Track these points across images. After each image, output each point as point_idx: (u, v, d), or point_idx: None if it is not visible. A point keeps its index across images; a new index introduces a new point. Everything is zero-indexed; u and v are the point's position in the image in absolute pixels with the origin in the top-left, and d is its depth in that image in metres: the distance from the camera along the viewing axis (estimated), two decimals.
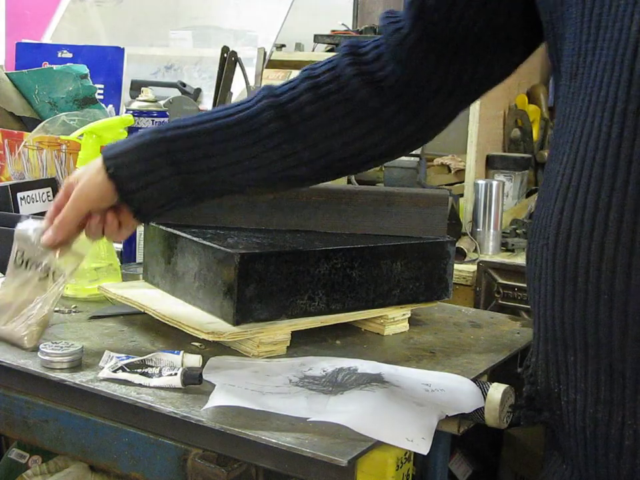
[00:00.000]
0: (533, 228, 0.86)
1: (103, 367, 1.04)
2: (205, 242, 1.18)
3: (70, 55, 2.03)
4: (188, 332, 1.14)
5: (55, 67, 1.84)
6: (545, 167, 0.87)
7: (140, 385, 1.01)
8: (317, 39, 2.62)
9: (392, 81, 0.99)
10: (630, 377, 0.76)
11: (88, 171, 1.04)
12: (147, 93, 1.59)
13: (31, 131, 1.69)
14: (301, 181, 1.07)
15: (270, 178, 1.04)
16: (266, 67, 2.11)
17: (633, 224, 0.74)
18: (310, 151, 1.01)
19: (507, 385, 0.97)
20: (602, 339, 0.77)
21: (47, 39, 2.60)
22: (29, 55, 2.07)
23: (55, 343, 1.08)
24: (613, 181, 0.75)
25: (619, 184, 0.75)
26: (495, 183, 2.01)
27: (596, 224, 0.76)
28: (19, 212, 1.56)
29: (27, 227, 1.11)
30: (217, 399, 0.94)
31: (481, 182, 2.03)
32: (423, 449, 0.88)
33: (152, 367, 1.04)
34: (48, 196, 1.62)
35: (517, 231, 2.05)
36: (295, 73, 2.74)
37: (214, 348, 1.14)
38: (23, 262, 1.12)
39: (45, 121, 1.68)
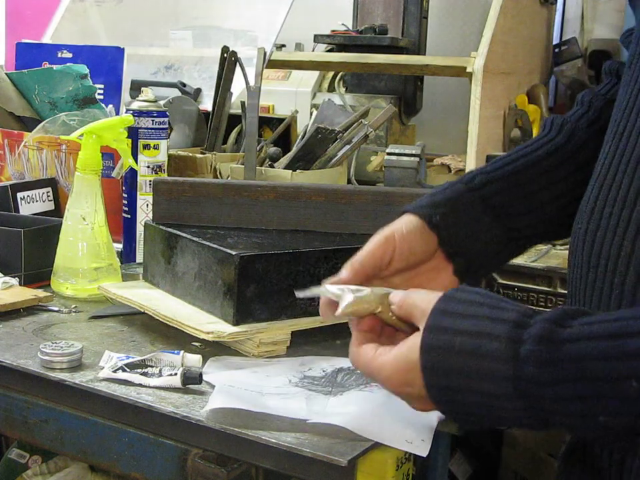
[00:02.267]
0: (579, 210, 0.86)
1: (103, 367, 1.04)
2: (204, 242, 1.18)
3: (70, 55, 2.02)
4: (188, 332, 1.14)
5: (55, 67, 1.84)
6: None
7: (140, 385, 1.01)
8: (317, 39, 2.62)
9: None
10: None
11: (401, 223, 0.89)
12: (147, 93, 1.59)
13: (30, 131, 1.69)
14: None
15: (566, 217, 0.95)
16: (266, 67, 2.11)
17: None
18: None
19: None
20: None
21: (47, 39, 2.59)
22: (29, 54, 2.07)
23: (55, 343, 1.08)
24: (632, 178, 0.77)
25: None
26: None
27: (620, 220, 0.78)
28: (19, 212, 1.56)
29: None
30: (217, 401, 0.94)
31: None
32: (423, 450, 0.88)
33: (152, 366, 1.04)
34: (48, 196, 1.62)
35: None
36: (295, 73, 2.74)
37: (214, 348, 1.14)
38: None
39: (45, 121, 1.68)
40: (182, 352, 1.07)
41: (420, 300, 0.76)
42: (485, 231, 0.91)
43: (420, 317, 0.74)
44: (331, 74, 2.70)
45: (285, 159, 1.80)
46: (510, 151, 0.98)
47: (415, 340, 0.73)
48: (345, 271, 0.83)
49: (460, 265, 0.90)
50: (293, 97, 2.65)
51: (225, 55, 1.93)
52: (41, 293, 1.32)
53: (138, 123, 1.53)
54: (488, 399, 0.69)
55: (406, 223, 0.89)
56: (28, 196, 1.58)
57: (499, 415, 0.70)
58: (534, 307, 0.99)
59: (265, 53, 2.00)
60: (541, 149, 0.95)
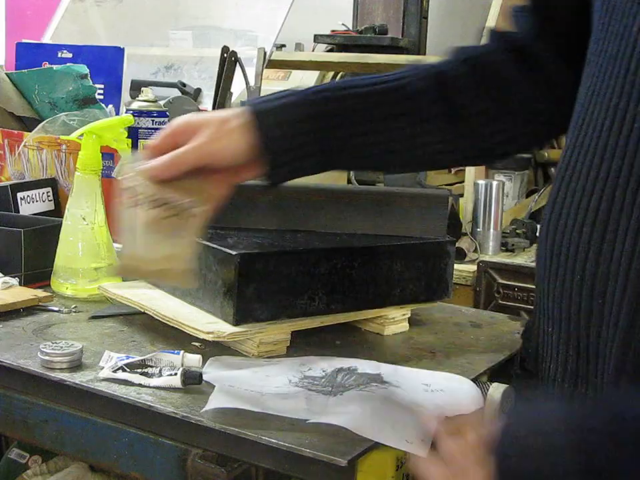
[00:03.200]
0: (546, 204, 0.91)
1: (103, 367, 1.04)
2: (204, 242, 1.18)
3: (70, 55, 2.02)
4: (188, 332, 1.14)
5: (55, 67, 1.84)
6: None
7: (140, 385, 1.01)
8: (317, 38, 2.62)
9: (551, 69, 1.00)
10: (592, 352, 0.82)
11: (225, 123, 0.94)
12: (147, 93, 1.59)
13: (30, 131, 1.68)
14: (444, 166, 1.08)
15: (418, 158, 1.02)
16: (266, 67, 2.11)
17: (607, 212, 0.79)
18: (467, 138, 1.00)
19: (507, 385, 0.97)
20: (572, 314, 0.83)
21: (47, 39, 2.60)
22: (29, 54, 2.07)
23: (55, 342, 1.08)
24: (598, 170, 0.81)
25: (602, 174, 0.80)
26: (494, 183, 2.01)
27: (580, 208, 0.82)
28: (19, 212, 1.56)
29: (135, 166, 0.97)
30: (217, 401, 0.94)
31: (481, 182, 2.03)
32: (422, 451, 0.88)
33: (152, 366, 1.04)
34: (48, 196, 1.62)
35: (517, 231, 2.05)
36: (295, 73, 2.74)
37: (214, 348, 1.14)
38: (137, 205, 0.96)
39: (45, 121, 1.68)
40: (182, 352, 1.07)
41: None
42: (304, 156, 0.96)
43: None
44: (330, 74, 2.70)
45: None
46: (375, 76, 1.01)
47: None
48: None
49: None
50: None
51: (225, 55, 1.93)
52: (40, 292, 1.32)
53: (138, 123, 1.53)
54: None
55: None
56: (28, 196, 1.58)
57: None
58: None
59: (265, 53, 2.00)
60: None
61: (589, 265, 0.80)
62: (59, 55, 2.03)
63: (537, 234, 0.97)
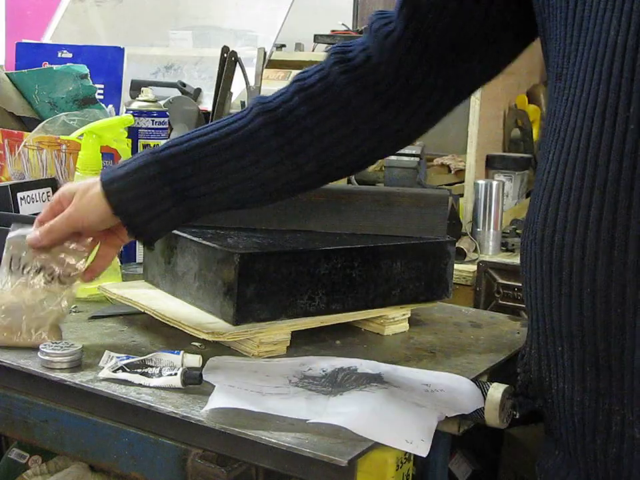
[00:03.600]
0: (524, 224, 0.89)
1: (103, 367, 1.04)
2: (204, 242, 1.18)
3: (70, 55, 2.02)
4: (188, 332, 1.14)
5: (55, 67, 1.84)
6: (537, 165, 0.90)
7: (140, 385, 1.01)
8: (317, 38, 2.62)
9: (386, 84, 1.00)
10: (615, 366, 0.78)
11: (87, 191, 1.04)
12: (147, 93, 1.59)
13: (30, 131, 1.68)
14: (302, 190, 1.09)
15: (271, 192, 1.05)
16: (266, 67, 2.11)
17: (612, 221, 0.77)
18: (312, 163, 1.02)
19: (507, 385, 0.97)
20: (586, 329, 0.79)
21: (47, 39, 2.60)
22: (29, 54, 2.07)
23: (55, 343, 1.08)
24: (593, 179, 0.78)
25: (598, 182, 0.78)
26: (494, 183, 2.01)
27: (578, 221, 0.79)
28: (19, 212, 1.56)
29: (19, 233, 1.12)
30: (217, 401, 0.94)
31: (481, 182, 2.03)
32: (423, 450, 0.88)
33: (152, 366, 1.04)
34: (48, 196, 1.62)
35: (517, 231, 2.05)
36: (295, 73, 2.75)
37: (214, 348, 1.14)
38: (19, 267, 1.12)
39: (45, 121, 1.68)
40: (182, 352, 1.07)
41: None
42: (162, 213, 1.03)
43: None
44: None
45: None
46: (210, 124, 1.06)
47: None
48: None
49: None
50: None
51: (225, 55, 1.93)
52: None
53: (138, 123, 1.53)
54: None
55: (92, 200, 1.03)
56: (28, 196, 1.58)
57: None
58: None
59: (265, 53, 2.00)
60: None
61: (599, 276, 0.77)
62: (59, 55, 2.03)
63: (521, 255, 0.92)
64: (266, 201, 1.09)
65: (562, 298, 0.81)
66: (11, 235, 1.13)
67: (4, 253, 1.13)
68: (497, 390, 0.97)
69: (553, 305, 0.82)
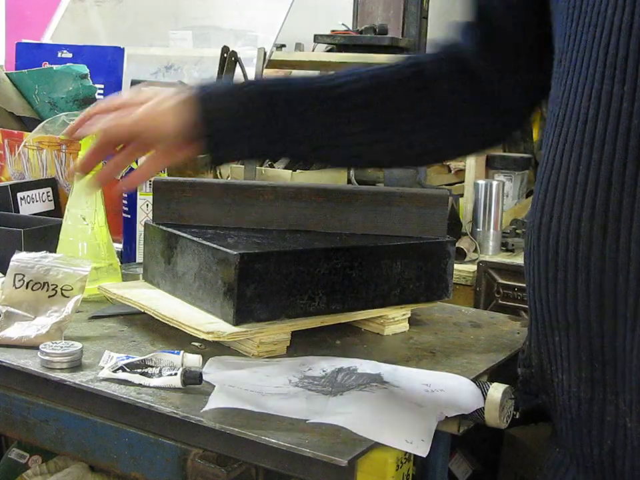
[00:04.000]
0: (528, 212, 0.91)
1: (103, 367, 1.04)
2: (204, 242, 1.18)
3: (70, 55, 2.03)
4: (188, 332, 1.14)
5: (55, 67, 1.84)
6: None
7: (140, 385, 1.01)
8: (317, 38, 2.62)
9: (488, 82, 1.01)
10: (608, 353, 0.79)
11: (167, 99, 0.96)
12: None
13: (30, 131, 1.69)
14: (385, 166, 1.12)
15: (370, 157, 1.05)
16: (266, 67, 2.11)
17: (605, 202, 0.76)
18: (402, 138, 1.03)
19: (507, 385, 0.97)
20: (581, 316, 0.79)
21: (46, 39, 2.59)
22: (29, 54, 2.07)
23: (55, 343, 1.08)
24: (589, 161, 0.78)
25: (594, 164, 0.78)
26: (494, 183, 2.01)
27: (574, 203, 0.79)
28: (19, 212, 1.56)
29: (22, 258, 1.18)
30: (216, 401, 0.94)
31: (481, 182, 2.03)
32: (423, 451, 0.88)
33: (152, 366, 1.04)
34: (48, 196, 1.62)
35: (517, 231, 2.05)
36: (295, 73, 2.74)
37: (214, 348, 1.14)
38: (23, 284, 1.15)
39: (45, 121, 1.68)
40: (182, 352, 1.07)
41: None
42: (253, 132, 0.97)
43: None
44: None
45: (284, 159, 1.80)
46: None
47: None
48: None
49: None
50: None
51: (225, 55, 1.93)
52: None
53: None
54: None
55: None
56: (28, 196, 1.58)
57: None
58: None
59: (265, 53, 2.00)
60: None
61: (593, 259, 0.77)
62: (59, 55, 2.03)
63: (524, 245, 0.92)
64: (353, 164, 1.13)
65: (558, 284, 0.81)
66: (14, 260, 1.18)
67: (6, 277, 1.18)
68: (496, 390, 0.97)
69: (550, 293, 0.82)
